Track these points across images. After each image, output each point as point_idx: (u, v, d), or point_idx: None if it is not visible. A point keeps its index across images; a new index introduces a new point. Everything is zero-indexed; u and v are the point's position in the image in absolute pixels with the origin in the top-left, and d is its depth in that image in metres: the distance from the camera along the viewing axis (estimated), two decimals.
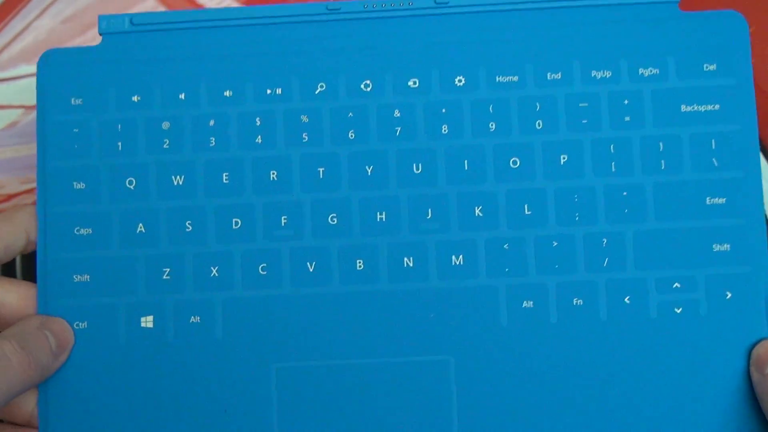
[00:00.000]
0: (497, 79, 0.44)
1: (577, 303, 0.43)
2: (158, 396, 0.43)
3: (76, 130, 0.44)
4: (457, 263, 0.43)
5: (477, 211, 0.43)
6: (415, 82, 0.44)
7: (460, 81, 0.44)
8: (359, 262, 0.43)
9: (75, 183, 0.44)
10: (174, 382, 0.43)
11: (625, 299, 0.43)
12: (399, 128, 0.44)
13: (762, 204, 0.43)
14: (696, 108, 0.44)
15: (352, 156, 0.44)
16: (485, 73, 0.44)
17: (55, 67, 0.45)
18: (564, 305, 0.43)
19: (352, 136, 0.44)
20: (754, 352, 0.42)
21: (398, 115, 0.44)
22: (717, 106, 0.43)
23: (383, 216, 0.43)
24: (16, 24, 0.53)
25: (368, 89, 0.44)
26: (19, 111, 0.52)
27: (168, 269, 0.44)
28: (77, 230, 0.44)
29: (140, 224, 0.44)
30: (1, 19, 0.53)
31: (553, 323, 0.43)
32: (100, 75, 0.45)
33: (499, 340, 0.43)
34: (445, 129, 0.44)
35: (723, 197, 0.43)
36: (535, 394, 0.42)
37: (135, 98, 0.45)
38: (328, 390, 0.43)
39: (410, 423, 0.42)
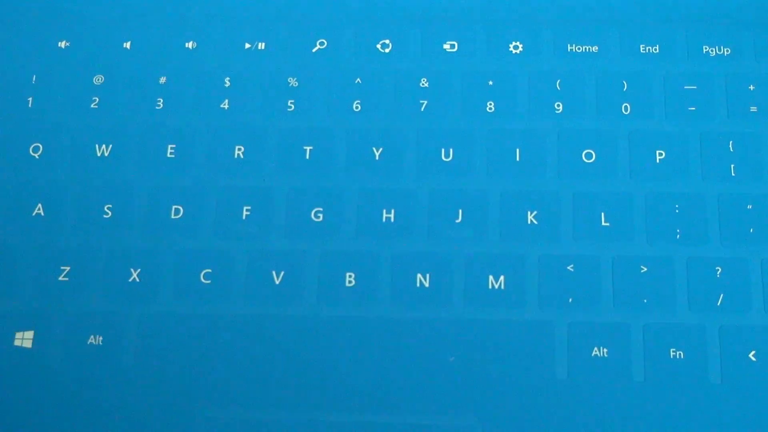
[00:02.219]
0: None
1: (675, 355, 0.28)
2: None
3: None
4: (495, 286, 0.29)
5: (530, 217, 0.29)
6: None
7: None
8: (349, 276, 0.29)
9: None
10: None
11: (750, 355, 0.28)
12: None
13: None
14: None
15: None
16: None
17: None
18: (655, 356, 0.28)
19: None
20: None
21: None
22: None
23: (391, 216, 0.30)
24: None
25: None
26: None
27: (68, 268, 0.30)
28: None
29: (39, 205, 0.30)
30: None
31: (637, 382, 0.28)
32: None
33: (554, 400, 0.28)
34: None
35: None
36: None
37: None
38: None
39: None
